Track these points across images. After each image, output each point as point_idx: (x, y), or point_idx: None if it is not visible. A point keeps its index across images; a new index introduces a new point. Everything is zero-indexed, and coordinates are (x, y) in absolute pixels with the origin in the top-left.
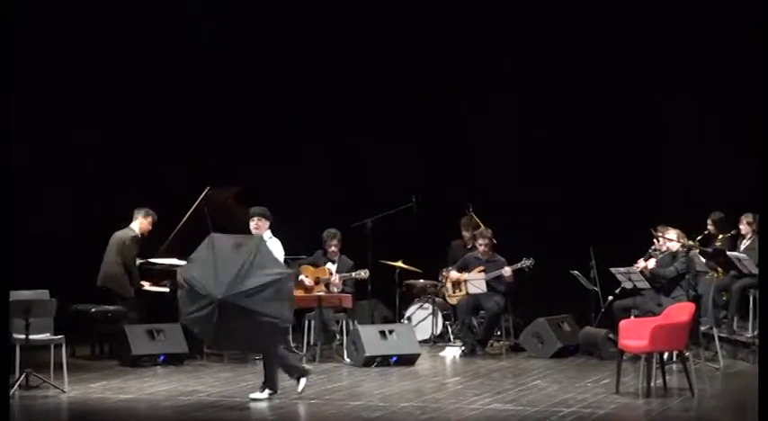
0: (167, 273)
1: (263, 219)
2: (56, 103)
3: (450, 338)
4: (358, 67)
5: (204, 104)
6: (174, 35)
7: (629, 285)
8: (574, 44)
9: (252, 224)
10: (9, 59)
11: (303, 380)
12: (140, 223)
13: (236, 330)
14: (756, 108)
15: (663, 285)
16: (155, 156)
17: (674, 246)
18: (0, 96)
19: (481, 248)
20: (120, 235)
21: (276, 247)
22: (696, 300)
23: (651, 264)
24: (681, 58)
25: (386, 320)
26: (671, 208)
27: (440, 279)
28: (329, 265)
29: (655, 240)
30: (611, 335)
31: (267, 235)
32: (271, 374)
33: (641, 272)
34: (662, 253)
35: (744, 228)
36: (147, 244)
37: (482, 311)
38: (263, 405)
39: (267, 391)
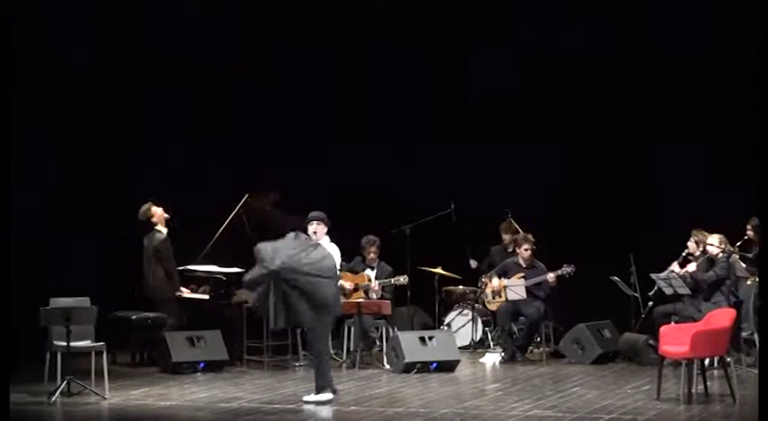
0: (207, 280)
1: (322, 224)
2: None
3: (489, 344)
4: (397, 71)
5: (247, 107)
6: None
7: (669, 291)
8: (619, 47)
9: (310, 229)
10: (9, 59)
11: (322, 396)
12: (157, 216)
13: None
14: None
15: (703, 291)
16: (196, 161)
17: (715, 250)
18: (0, 96)
19: (524, 254)
20: (151, 242)
21: (334, 252)
22: (737, 305)
23: (692, 267)
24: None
25: (425, 327)
26: (711, 213)
27: (479, 285)
28: (368, 272)
29: (689, 244)
30: (651, 341)
31: (326, 240)
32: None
33: (681, 277)
34: (696, 257)
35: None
36: (187, 251)
37: (522, 317)
38: (303, 412)
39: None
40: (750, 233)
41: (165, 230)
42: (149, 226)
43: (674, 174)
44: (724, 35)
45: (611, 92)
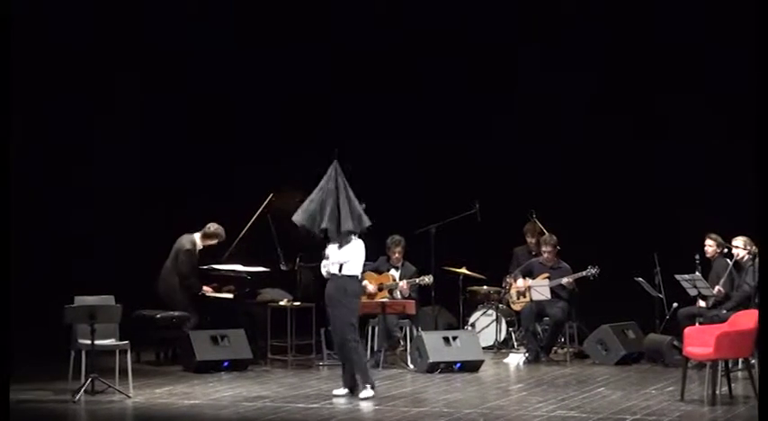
0: (231, 279)
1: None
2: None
3: (513, 345)
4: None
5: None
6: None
7: (693, 292)
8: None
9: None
10: (9, 59)
11: (343, 391)
12: (203, 239)
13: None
14: None
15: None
16: (222, 159)
17: (741, 253)
18: (0, 96)
19: (546, 255)
20: (179, 244)
21: (359, 248)
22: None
23: (722, 287)
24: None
25: (449, 327)
26: (736, 214)
27: (503, 285)
28: (392, 272)
29: (706, 248)
30: (675, 342)
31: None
32: (361, 370)
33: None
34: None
35: None
36: (211, 249)
37: (546, 318)
38: (327, 410)
39: (368, 389)
40: None
41: (199, 243)
42: (192, 231)
43: (698, 173)
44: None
45: (634, 90)
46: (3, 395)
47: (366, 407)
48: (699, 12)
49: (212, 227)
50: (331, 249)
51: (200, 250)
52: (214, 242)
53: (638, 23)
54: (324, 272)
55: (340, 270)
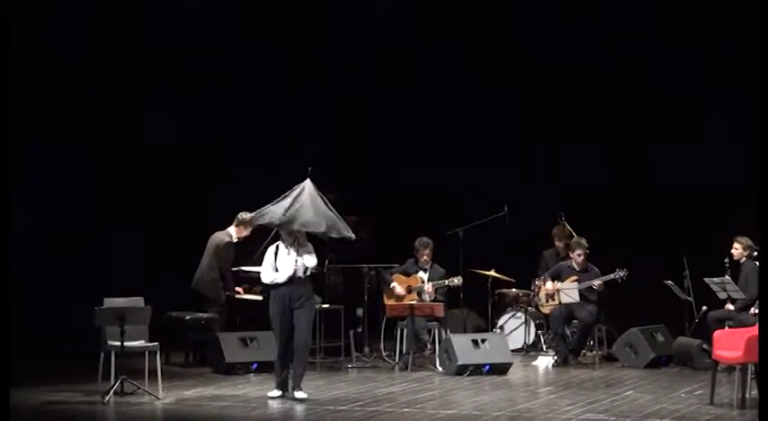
0: (260, 281)
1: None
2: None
3: (542, 348)
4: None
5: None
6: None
7: (723, 295)
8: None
9: None
10: (9, 59)
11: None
12: (238, 229)
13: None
14: None
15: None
16: (249, 158)
17: None
18: (0, 96)
19: (577, 258)
20: (216, 239)
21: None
22: None
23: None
24: None
25: (478, 329)
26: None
27: (532, 288)
28: (421, 274)
29: (733, 251)
30: (705, 346)
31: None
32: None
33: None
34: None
35: None
36: (241, 251)
37: (575, 321)
38: (356, 412)
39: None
40: None
41: (233, 238)
42: (225, 226)
43: (727, 175)
44: None
45: (664, 92)
46: (2, 394)
47: (394, 409)
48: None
49: (244, 214)
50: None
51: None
52: (248, 231)
53: None
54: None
55: (305, 272)
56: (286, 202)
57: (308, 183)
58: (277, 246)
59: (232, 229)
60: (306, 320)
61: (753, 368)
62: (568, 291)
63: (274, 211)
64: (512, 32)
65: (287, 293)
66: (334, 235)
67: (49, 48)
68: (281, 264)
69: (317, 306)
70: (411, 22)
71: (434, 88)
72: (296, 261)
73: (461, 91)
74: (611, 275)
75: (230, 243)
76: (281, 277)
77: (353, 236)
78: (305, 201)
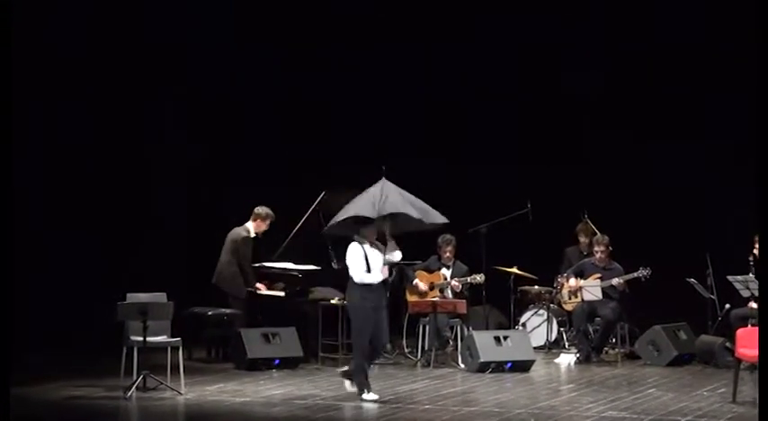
0: (282, 277)
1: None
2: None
3: (565, 345)
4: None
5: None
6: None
7: (746, 293)
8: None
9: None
10: (9, 59)
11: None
12: (256, 224)
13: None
14: None
15: None
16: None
17: None
18: (0, 96)
19: (598, 255)
20: (234, 234)
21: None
22: None
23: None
24: None
25: (500, 326)
26: None
27: (555, 285)
28: (443, 271)
29: (755, 251)
30: (727, 344)
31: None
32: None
33: None
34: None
35: None
36: (263, 247)
37: (597, 318)
38: (376, 409)
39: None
40: None
41: (252, 232)
42: (243, 221)
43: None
44: None
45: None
46: (3, 394)
47: (416, 406)
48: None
49: (261, 208)
50: (375, 250)
51: (254, 238)
52: (266, 225)
53: None
54: (380, 276)
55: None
56: (371, 197)
57: (384, 181)
58: (362, 247)
59: (250, 224)
60: (387, 319)
61: None
62: (591, 289)
63: (362, 207)
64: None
65: (378, 292)
66: (428, 221)
67: (49, 47)
68: (372, 264)
69: (338, 301)
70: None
71: (449, 87)
72: (383, 258)
73: (483, 90)
74: (635, 274)
75: (248, 238)
76: (376, 277)
77: (447, 220)
78: (391, 193)
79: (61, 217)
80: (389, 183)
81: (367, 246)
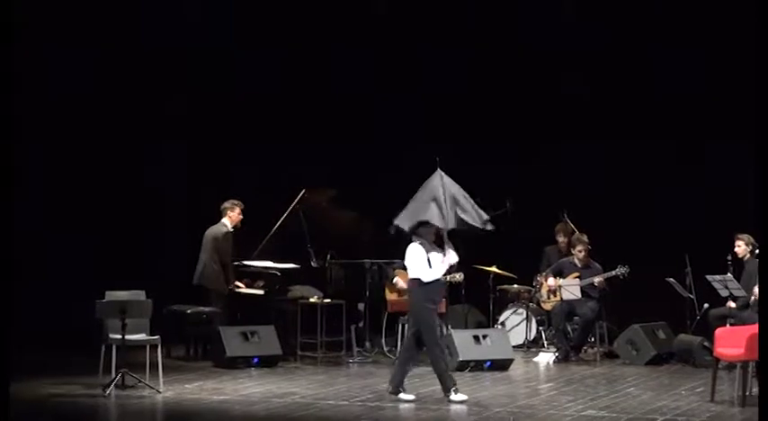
0: (261, 276)
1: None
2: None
3: (543, 344)
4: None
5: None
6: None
7: (724, 293)
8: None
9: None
10: (10, 59)
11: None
12: (230, 217)
13: None
14: None
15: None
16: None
17: None
18: (0, 96)
19: (578, 254)
20: (212, 232)
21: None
22: None
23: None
24: None
25: (479, 325)
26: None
27: (534, 284)
28: None
29: (736, 250)
30: (706, 343)
31: None
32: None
33: None
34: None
35: None
36: (242, 246)
37: (576, 317)
38: (356, 407)
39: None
40: None
41: (229, 227)
42: (218, 218)
43: (729, 173)
44: None
45: (664, 90)
46: (2, 393)
47: (395, 404)
48: None
49: (227, 202)
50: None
51: (232, 233)
52: (239, 213)
53: None
54: (439, 273)
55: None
56: (436, 202)
57: (437, 175)
58: (423, 247)
59: (225, 220)
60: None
61: (753, 365)
62: (570, 288)
63: (431, 214)
64: (512, 32)
65: (441, 292)
66: (479, 224)
67: (49, 47)
68: (434, 263)
69: (317, 300)
70: (410, 22)
71: (435, 87)
72: (443, 258)
73: (465, 89)
74: (613, 272)
75: (229, 233)
76: (440, 271)
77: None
78: (452, 196)
79: (40, 213)
80: (447, 178)
81: (427, 245)
